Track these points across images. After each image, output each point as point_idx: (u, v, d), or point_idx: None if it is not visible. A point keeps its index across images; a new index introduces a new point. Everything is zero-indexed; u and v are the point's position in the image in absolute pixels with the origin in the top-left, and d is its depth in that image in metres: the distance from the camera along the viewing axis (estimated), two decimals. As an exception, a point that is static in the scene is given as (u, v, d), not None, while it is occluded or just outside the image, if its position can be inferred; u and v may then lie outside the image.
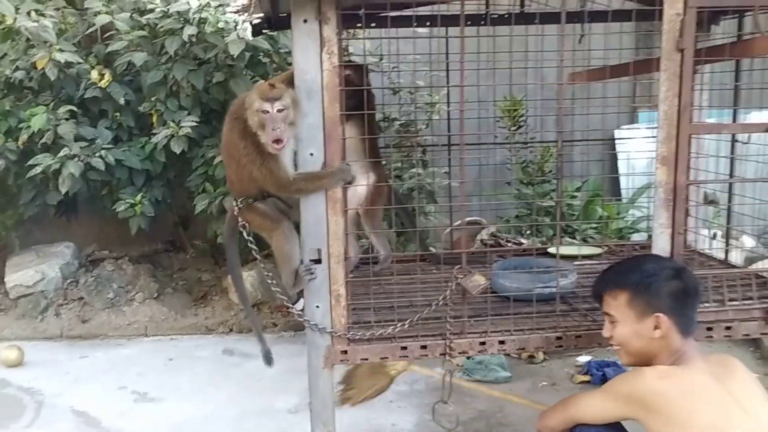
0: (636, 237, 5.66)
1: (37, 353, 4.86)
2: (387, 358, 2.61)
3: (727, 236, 3.57)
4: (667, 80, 2.54)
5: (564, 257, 3.78)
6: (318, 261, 2.51)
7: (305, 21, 2.39)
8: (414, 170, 4.97)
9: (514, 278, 3.05)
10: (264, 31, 3.92)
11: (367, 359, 2.59)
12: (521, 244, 4.64)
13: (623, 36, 3.61)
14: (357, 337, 2.56)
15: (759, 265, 4.55)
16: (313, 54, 2.41)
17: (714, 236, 4.85)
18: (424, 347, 2.59)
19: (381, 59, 5.08)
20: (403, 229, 4.32)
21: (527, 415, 3.75)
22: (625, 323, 2.26)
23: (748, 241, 5.21)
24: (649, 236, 5.47)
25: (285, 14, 3.04)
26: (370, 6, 2.46)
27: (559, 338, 2.64)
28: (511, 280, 3.04)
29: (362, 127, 3.09)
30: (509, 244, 4.59)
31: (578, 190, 5.50)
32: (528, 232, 4.95)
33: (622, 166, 6.21)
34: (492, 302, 2.81)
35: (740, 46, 2.73)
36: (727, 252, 3.56)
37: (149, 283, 5.56)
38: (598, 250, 3.91)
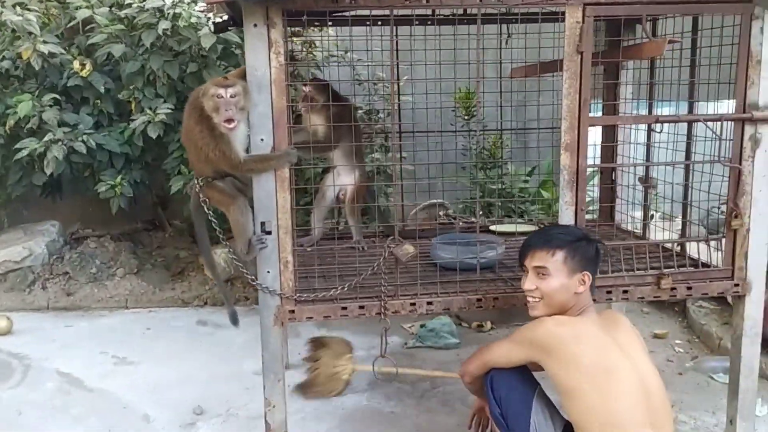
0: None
1: (25, 322, 5.24)
2: (329, 316, 3.01)
3: (645, 213, 3.97)
4: (569, 78, 2.94)
5: (502, 233, 4.22)
6: (268, 232, 2.91)
7: (255, 25, 2.76)
8: (375, 155, 5.37)
9: (448, 249, 3.46)
10: (229, 28, 4.29)
11: (311, 317, 3.00)
12: (473, 223, 5.05)
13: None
14: (303, 299, 2.97)
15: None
16: (262, 54, 2.79)
17: (652, 217, 5.28)
18: (362, 307, 3.00)
19: (346, 52, 5.47)
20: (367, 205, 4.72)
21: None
22: (557, 277, 2.63)
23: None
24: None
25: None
26: (311, 13, 2.84)
27: (479, 300, 3.05)
28: (445, 251, 3.44)
29: (349, 135, 3.62)
30: (461, 223, 4.98)
31: (530, 174, 5.92)
32: (481, 213, 5.36)
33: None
34: (427, 271, 3.23)
35: (633, 49, 3.14)
36: (645, 227, 3.97)
37: (130, 260, 5.94)
38: (532, 228, 4.32)
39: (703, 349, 4.63)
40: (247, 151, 2.92)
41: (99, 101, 5.42)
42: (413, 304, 3.03)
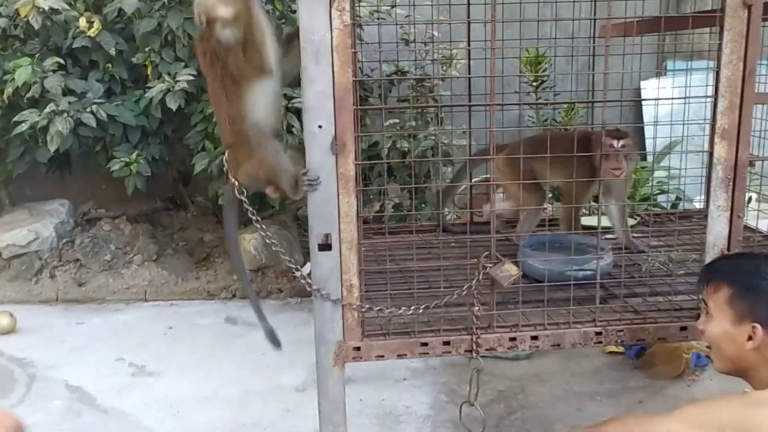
0: (662, 198, 5.33)
1: (31, 318, 4.65)
2: (405, 354, 2.33)
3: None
4: (731, 41, 2.19)
5: (593, 229, 3.50)
6: (328, 247, 2.21)
7: (312, -30, 2.03)
8: (430, 128, 4.63)
9: (544, 257, 2.74)
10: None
11: (382, 356, 2.31)
12: (545, 210, 4.32)
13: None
14: (371, 332, 2.29)
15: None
16: (321, 11, 2.06)
17: (749, 200, 4.53)
18: (447, 343, 2.32)
19: (393, 6, 4.70)
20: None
21: (552, 395, 3.52)
22: (720, 322, 1.94)
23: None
24: (677, 198, 5.23)
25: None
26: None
27: (598, 333, 2.35)
28: (542, 262, 2.72)
29: None
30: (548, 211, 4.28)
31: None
32: (550, 196, 4.62)
33: (648, 120, 5.84)
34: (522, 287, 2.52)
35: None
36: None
37: (148, 245, 5.30)
38: (631, 221, 3.60)
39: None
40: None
41: (110, 65, 4.73)
42: (513, 339, 2.34)
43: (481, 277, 2.28)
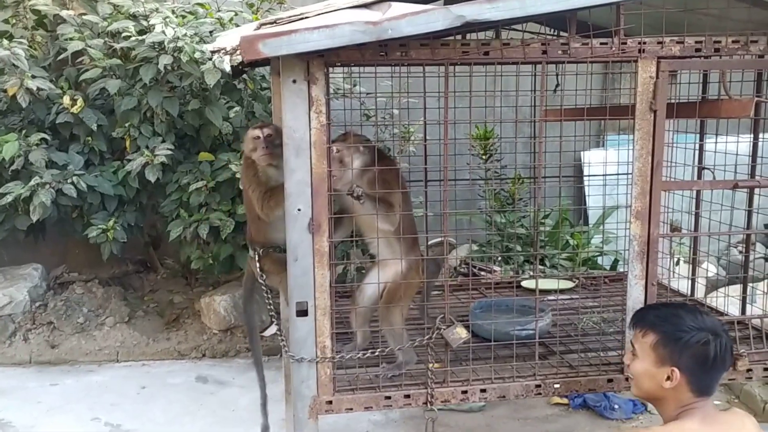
0: (603, 261, 5.80)
1: (5, 380, 4.81)
2: (371, 407, 2.66)
3: (693, 268, 3.70)
4: (640, 139, 2.64)
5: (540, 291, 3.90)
6: (305, 313, 2.55)
7: (294, 81, 2.42)
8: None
9: (489, 319, 3.10)
10: (244, 69, 3.93)
11: (351, 409, 2.64)
12: (493, 272, 4.73)
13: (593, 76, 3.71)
14: (342, 388, 2.62)
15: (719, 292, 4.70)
16: (301, 113, 2.45)
17: (677, 262, 5.00)
18: (407, 396, 2.66)
19: (354, 85, 5.13)
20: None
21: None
22: (643, 362, 2.26)
23: (711, 268, 5.37)
24: (615, 261, 5.70)
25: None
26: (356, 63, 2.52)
27: (538, 386, 2.72)
28: (488, 322, 3.09)
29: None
30: (482, 273, 4.67)
31: (546, 216, 5.62)
32: (499, 259, 5.05)
33: (588, 189, 6.37)
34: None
35: (707, 106, 2.85)
36: (693, 283, 3.69)
37: (120, 307, 5.52)
38: (570, 284, 4.01)
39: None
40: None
41: (90, 138, 5.01)
42: (464, 392, 2.69)
43: (434, 337, 2.64)
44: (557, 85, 3.24)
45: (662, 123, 2.64)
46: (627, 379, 2.74)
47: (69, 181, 4.70)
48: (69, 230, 5.30)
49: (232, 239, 4.85)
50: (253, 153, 2.90)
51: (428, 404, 2.65)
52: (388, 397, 2.65)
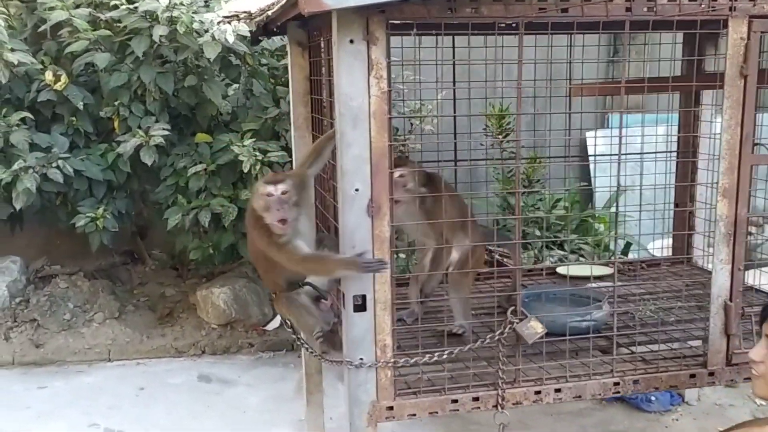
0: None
1: (-13, 384, 4.40)
2: (437, 412, 2.36)
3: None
4: (729, 108, 2.39)
5: (575, 278, 3.64)
6: (362, 308, 2.24)
7: (351, 41, 2.10)
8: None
9: (546, 310, 2.83)
10: (260, 38, 3.57)
11: (414, 414, 2.34)
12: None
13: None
14: (403, 391, 2.32)
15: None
16: (359, 78, 2.13)
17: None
18: (476, 399, 2.37)
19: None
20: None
21: None
22: None
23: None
24: (627, 244, 5.48)
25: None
26: (421, 26, 2.19)
27: (616, 384, 2.46)
28: (553, 314, 2.80)
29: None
30: (505, 260, 4.40)
31: (558, 200, 5.37)
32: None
33: (593, 170, 6.14)
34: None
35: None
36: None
37: (109, 301, 5.11)
38: (608, 270, 3.76)
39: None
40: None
41: (74, 119, 4.58)
42: (538, 393, 2.41)
43: (506, 332, 2.35)
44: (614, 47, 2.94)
45: (753, 90, 2.38)
46: (711, 374, 2.50)
47: (54, 164, 4.28)
48: (52, 219, 4.87)
49: (233, 227, 4.49)
50: (266, 214, 2.47)
51: (499, 407, 2.37)
52: (455, 401, 2.37)
